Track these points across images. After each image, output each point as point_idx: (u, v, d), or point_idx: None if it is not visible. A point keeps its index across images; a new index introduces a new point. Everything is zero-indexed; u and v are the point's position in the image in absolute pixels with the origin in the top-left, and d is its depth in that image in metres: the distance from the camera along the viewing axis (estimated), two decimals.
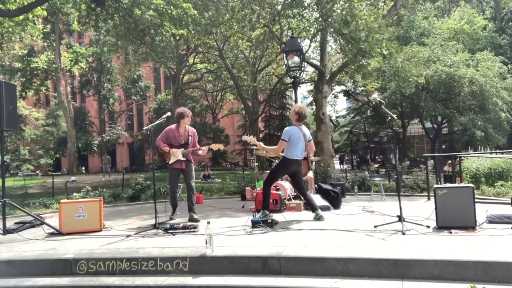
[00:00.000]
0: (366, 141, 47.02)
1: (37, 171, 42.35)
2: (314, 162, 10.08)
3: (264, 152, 9.44)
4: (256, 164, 9.97)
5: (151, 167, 36.84)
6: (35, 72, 34.28)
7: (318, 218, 6.23)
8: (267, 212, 6.24)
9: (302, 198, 7.87)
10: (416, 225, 5.22)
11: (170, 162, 6.58)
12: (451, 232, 4.83)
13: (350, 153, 47.12)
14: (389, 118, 5.82)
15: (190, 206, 6.71)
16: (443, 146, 34.40)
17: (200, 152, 6.80)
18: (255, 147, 9.21)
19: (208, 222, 4.40)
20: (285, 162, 6.39)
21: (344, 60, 16.90)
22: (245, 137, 6.93)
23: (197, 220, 6.40)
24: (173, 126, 6.69)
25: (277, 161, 9.27)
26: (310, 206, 6.54)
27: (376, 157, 44.21)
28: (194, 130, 6.99)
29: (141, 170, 37.39)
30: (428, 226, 5.14)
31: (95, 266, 4.41)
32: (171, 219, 6.80)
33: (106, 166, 27.65)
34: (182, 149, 6.64)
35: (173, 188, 6.86)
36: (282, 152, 6.49)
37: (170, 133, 6.62)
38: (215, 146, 6.95)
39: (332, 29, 14.21)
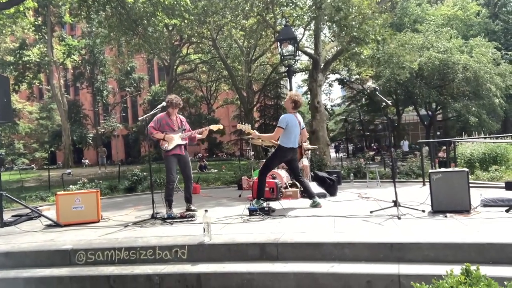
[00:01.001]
0: (361, 129, 47.21)
1: (32, 165, 42.25)
2: (310, 151, 10.12)
3: (260, 140, 9.48)
4: (252, 153, 9.97)
5: (147, 159, 36.86)
6: (27, 65, 33.97)
7: (315, 205, 6.27)
8: (262, 202, 6.27)
9: (299, 186, 7.93)
10: (412, 209, 5.28)
11: (170, 147, 6.30)
12: (446, 216, 4.88)
13: (345, 142, 47.26)
14: (384, 104, 5.84)
15: (188, 197, 6.63)
16: (438, 133, 34.60)
17: (199, 135, 6.67)
18: (250, 136, 9.24)
19: (206, 211, 4.43)
20: (281, 150, 6.39)
21: (338, 48, 16.87)
22: (239, 126, 6.91)
23: (194, 211, 6.41)
24: (163, 114, 6.48)
25: (273, 150, 9.32)
26: (307, 193, 6.59)
27: (372, 145, 44.39)
28: (183, 118, 6.85)
29: (137, 162, 37.39)
30: (423, 211, 5.20)
31: (94, 256, 4.44)
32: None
33: (102, 158, 27.61)
34: (180, 133, 6.45)
35: (173, 178, 6.47)
36: (277, 140, 6.50)
37: (163, 121, 6.38)
38: (214, 127, 6.85)
39: (325, 17, 14.14)
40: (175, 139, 6.39)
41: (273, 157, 6.64)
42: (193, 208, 6.56)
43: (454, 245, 3.72)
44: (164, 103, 6.48)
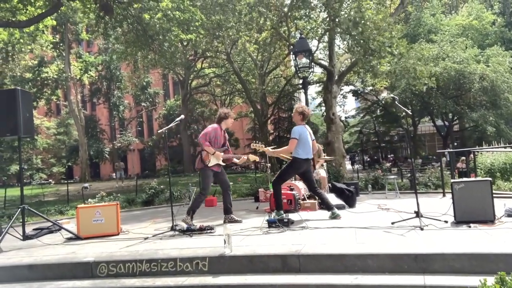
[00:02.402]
0: (377, 141, 46.80)
1: (50, 180, 42.79)
2: (326, 162, 10.07)
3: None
4: (268, 165, 9.96)
5: (162, 172, 37.10)
6: (45, 82, 34.72)
7: (334, 216, 6.21)
8: (282, 212, 6.26)
9: (317, 198, 7.88)
10: (434, 220, 5.19)
11: (210, 164, 6.26)
12: (469, 226, 4.79)
13: (361, 153, 46.89)
14: (404, 114, 5.79)
15: (230, 208, 6.58)
16: (455, 144, 34.11)
17: (237, 160, 6.71)
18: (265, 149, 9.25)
19: (225, 222, 4.41)
20: (297, 162, 6.38)
21: (352, 60, 16.87)
22: (253, 145, 6.86)
23: (240, 221, 6.41)
24: (217, 125, 6.42)
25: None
26: (325, 205, 6.54)
27: (388, 156, 43.96)
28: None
29: (153, 175, 37.60)
30: (446, 221, 5.11)
31: (115, 269, 4.45)
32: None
33: (120, 173, 27.84)
34: (223, 153, 6.41)
35: (207, 191, 6.49)
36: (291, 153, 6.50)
37: (215, 134, 6.32)
38: (252, 157, 6.83)
39: (340, 29, 14.18)
40: (220, 158, 6.35)
41: (288, 168, 6.61)
42: (236, 218, 6.52)
43: (480, 256, 3.64)
44: (182, 116, 6.55)
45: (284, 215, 5.99)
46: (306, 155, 6.33)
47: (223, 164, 6.53)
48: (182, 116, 6.58)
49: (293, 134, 6.35)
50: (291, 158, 8.56)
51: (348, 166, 37.33)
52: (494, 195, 5.09)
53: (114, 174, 27.45)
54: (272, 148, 7.07)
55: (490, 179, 5.17)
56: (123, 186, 23.30)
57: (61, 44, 33.67)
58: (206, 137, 6.24)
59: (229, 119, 6.51)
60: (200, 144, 6.31)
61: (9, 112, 5.96)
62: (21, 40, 24.67)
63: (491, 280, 2.48)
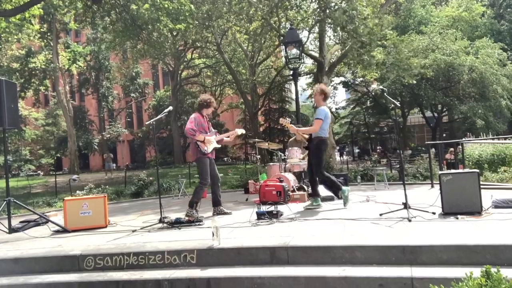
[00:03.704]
0: (367, 132, 47.03)
1: (39, 171, 42.41)
2: None
3: (266, 144, 9.45)
4: (259, 157, 9.95)
5: (152, 164, 36.98)
6: (33, 72, 34.22)
7: (316, 205, 6.31)
8: (318, 199, 6.39)
9: (306, 189, 7.90)
10: (422, 212, 5.21)
11: (209, 150, 6.22)
12: (457, 218, 4.82)
13: (351, 144, 47.11)
14: (392, 106, 5.79)
15: (219, 200, 6.59)
16: (444, 135, 34.41)
17: (226, 138, 6.73)
18: (257, 140, 9.23)
19: (214, 215, 4.39)
20: (323, 142, 6.41)
21: (343, 51, 16.84)
22: (282, 120, 6.92)
23: (229, 213, 6.43)
24: (198, 114, 6.36)
25: (279, 153, 9.30)
26: (313, 191, 6.57)
27: (377, 148, 44.24)
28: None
29: (142, 167, 37.44)
30: (434, 213, 5.13)
31: (103, 262, 4.40)
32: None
33: (109, 164, 27.64)
34: (214, 136, 6.41)
35: (208, 180, 6.35)
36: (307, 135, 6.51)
37: (199, 121, 6.27)
38: (239, 131, 6.91)
39: (331, 20, 14.11)
40: (213, 142, 6.33)
41: (318, 151, 6.45)
42: (226, 210, 6.52)
43: (468, 247, 3.66)
44: (170, 108, 6.50)
45: (273, 207, 5.96)
46: (327, 135, 6.44)
47: (218, 146, 6.50)
48: (171, 108, 6.51)
49: (319, 115, 6.31)
50: (279, 148, 8.51)
51: (337, 157, 37.49)
52: (481, 187, 5.13)
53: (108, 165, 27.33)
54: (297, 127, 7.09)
55: (477, 170, 5.20)
56: (112, 178, 23.17)
57: (48, 34, 33.13)
58: (192, 128, 6.17)
59: (210, 108, 6.47)
60: (189, 137, 6.24)
61: None
62: (8, 30, 24.20)
63: (477, 271, 2.49)
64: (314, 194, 6.57)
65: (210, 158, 6.36)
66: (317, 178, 6.61)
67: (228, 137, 6.75)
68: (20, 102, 37.90)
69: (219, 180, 6.68)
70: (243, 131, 7.04)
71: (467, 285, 2.12)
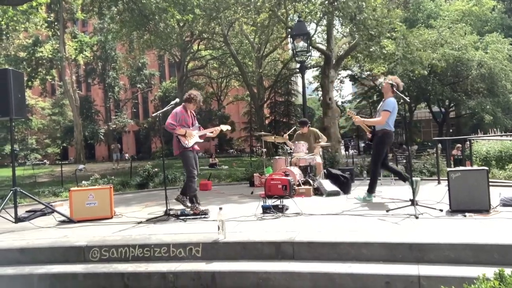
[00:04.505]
0: (373, 126, 46.77)
1: (45, 160, 42.65)
2: (322, 148, 10.03)
3: (273, 137, 9.39)
4: (264, 150, 9.91)
5: (158, 155, 37.01)
6: (40, 61, 34.25)
7: (369, 200, 6.21)
8: (372, 195, 6.27)
9: (312, 183, 7.86)
10: (429, 208, 5.17)
11: (190, 144, 6.19)
12: (465, 216, 4.77)
13: (356, 139, 46.90)
14: (402, 101, 5.73)
15: (196, 195, 6.52)
16: (450, 130, 34.20)
17: (210, 133, 6.68)
18: (265, 133, 9.19)
19: (220, 208, 4.37)
20: (388, 135, 6.16)
21: (351, 44, 16.70)
22: (349, 112, 6.76)
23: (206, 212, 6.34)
24: (181, 108, 6.31)
25: (286, 147, 9.25)
26: (399, 177, 6.41)
27: None
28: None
29: (148, 158, 37.54)
30: (441, 210, 5.08)
31: (108, 253, 4.41)
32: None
33: (116, 154, 27.68)
34: (197, 130, 6.41)
35: (195, 172, 6.26)
36: (370, 127, 6.34)
37: (181, 116, 6.22)
38: (224, 127, 6.88)
39: (339, 13, 13.97)
40: (195, 136, 6.31)
41: (381, 143, 6.24)
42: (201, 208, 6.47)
43: (475, 246, 3.62)
44: (177, 99, 6.44)
45: (279, 201, 5.93)
46: (393, 128, 6.22)
47: (201, 141, 6.47)
48: (177, 100, 6.46)
49: (387, 106, 6.04)
50: (284, 142, 8.45)
51: (342, 151, 37.35)
52: (489, 184, 5.07)
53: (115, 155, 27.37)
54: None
55: (486, 168, 5.14)
56: (119, 168, 23.22)
57: (55, 23, 33.10)
58: (172, 123, 6.10)
59: (192, 104, 6.35)
60: (169, 130, 6.15)
61: (0, 93, 5.84)
62: (15, 18, 24.20)
63: (485, 271, 2.45)
64: (402, 179, 6.42)
65: (193, 151, 6.34)
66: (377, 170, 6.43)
67: (212, 132, 6.70)
68: (27, 91, 38.04)
69: (197, 174, 6.58)
70: (228, 127, 7.06)
71: (479, 287, 2.08)
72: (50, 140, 47.07)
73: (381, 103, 6.29)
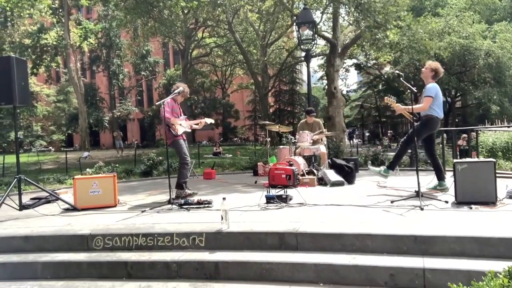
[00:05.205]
0: (377, 115, 46.56)
1: (50, 147, 42.85)
2: (326, 138, 9.97)
3: (277, 126, 9.33)
4: (268, 139, 9.86)
5: (162, 143, 37.06)
6: (45, 48, 34.20)
7: (443, 188, 5.95)
8: (389, 171, 6.20)
9: (316, 173, 7.82)
10: (434, 200, 5.13)
11: (180, 133, 6.43)
12: (471, 208, 4.73)
13: (361, 128, 46.72)
14: (408, 91, 5.65)
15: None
16: (456, 120, 33.96)
17: (195, 125, 6.94)
18: (266, 122, 9.13)
19: (224, 198, 4.35)
20: (432, 121, 5.96)
21: (357, 32, 16.51)
22: (387, 99, 6.45)
23: (195, 193, 6.63)
24: (171, 100, 6.51)
25: (290, 136, 9.20)
26: (438, 173, 6.15)
27: (388, 132, 43.84)
28: None
29: (152, 145, 37.61)
30: (446, 202, 5.05)
31: (111, 242, 4.41)
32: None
33: (119, 142, 27.77)
34: (184, 121, 6.63)
35: (188, 159, 6.55)
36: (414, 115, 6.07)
37: (172, 107, 6.49)
38: (209, 120, 7.13)
39: (345, 0, 13.79)
40: (184, 125, 6.55)
41: (423, 128, 6.06)
42: (190, 192, 6.67)
43: (481, 239, 3.57)
44: (181, 88, 6.47)
45: (282, 191, 5.90)
46: (441, 114, 5.98)
47: (189, 130, 6.75)
48: (181, 89, 6.45)
49: (428, 92, 5.89)
50: (288, 131, 8.33)
51: (346, 141, 37.24)
52: (496, 176, 5.01)
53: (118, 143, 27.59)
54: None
55: (494, 160, 5.08)
56: (123, 156, 23.28)
57: (60, 10, 32.96)
58: (169, 115, 6.34)
59: (179, 96, 6.59)
60: (166, 122, 6.30)
61: (4, 81, 5.81)
62: (19, 4, 24.13)
63: (493, 264, 2.41)
64: (439, 176, 6.13)
65: (183, 139, 6.60)
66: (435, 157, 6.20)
67: (197, 124, 6.96)
68: (32, 78, 38.12)
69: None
70: (212, 121, 7.31)
71: (488, 284, 2.03)
72: (55, 127, 47.24)
73: (423, 89, 6.14)
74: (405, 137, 6.34)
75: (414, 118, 6.08)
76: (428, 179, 6.34)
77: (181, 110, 6.78)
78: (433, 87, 5.90)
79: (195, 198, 6.03)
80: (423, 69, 6.18)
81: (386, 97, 6.42)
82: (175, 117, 6.46)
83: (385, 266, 3.51)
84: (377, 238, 3.83)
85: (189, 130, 6.81)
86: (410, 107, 5.90)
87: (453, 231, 3.74)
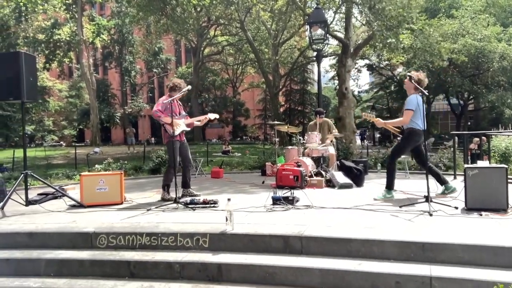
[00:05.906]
0: (389, 117, 46.12)
1: (61, 142, 43.24)
2: (335, 139, 9.88)
3: (286, 127, 9.26)
4: (277, 139, 9.78)
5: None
6: (58, 44, 34.50)
7: (451, 191, 5.88)
8: (392, 191, 5.99)
9: (324, 175, 7.75)
10: (444, 205, 5.03)
11: (176, 133, 6.23)
12: (481, 215, 4.62)
13: (371, 129, 46.34)
14: (420, 94, 5.56)
15: (188, 182, 6.73)
16: (469, 123, 33.56)
17: (197, 122, 6.76)
18: (276, 123, 9.06)
19: (229, 199, 4.30)
20: (414, 133, 5.87)
21: (369, 33, 16.34)
22: (364, 115, 6.47)
23: (198, 195, 6.50)
24: (167, 97, 6.30)
25: (299, 137, 9.13)
26: (439, 181, 6.02)
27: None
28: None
29: (162, 143, 37.70)
30: (456, 207, 4.94)
31: (115, 240, 4.39)
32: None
33: (131, 139, 27.90)
34: (183, 119, 6.46)
35: (176, 163, 6.32)
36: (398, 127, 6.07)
37: (168, 104, 6.16)
38: (212, 116, 6.83)
39: (359, 0, 13.64)
40: (181, 125, 6.38)
41: (405, 142, 6.03)
42: (195, 192, 6.65)
43: (491, 248, 3.47)
44: (189, 86, 6.42)
45: (289, 192, 5.83)
46: (422, 126, 5.86)
47: (188, 129, 6.57)
48: (189, 87, 6.40)
49: (409, 105, 5.81)
50: (299, 131, 8.26)
51: (358, 141, 36.98)
52: (508, 182, 4.89)
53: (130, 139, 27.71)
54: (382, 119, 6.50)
55: (506, 166, 4.96)
56: (134, 152, 23.38)
57: (73, 6, 33.22)
58: (159, 110, 6.16)
59: (176, 92, 6.30)
60: (155, 118, 6.20)
61: (13, 76, 5.82)
62: (33, 0, 24.36)
63: (503, 275, 2.32)
64: (440, 182, 6.01)
65: (180, 141, 6.46)
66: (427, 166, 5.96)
67: (199, 121, 6.76)
68: (44, 73, 38.48)
69: (190, 163, 6.79)
70: (216, 116, 7.00)
71: None
72: (66, 122, 47.66)
73: (405, 101, 6.04)
74: (390, 153, 6.24)
75: (398, 130, 6.03)
76: (437, 184, 6.21)
77: (181, 107, 6.64)
78: (413, 99, 5.81)
79: (201, 198, 6.00)
80: (405, 80, 6.06)
81: (363, 113, 6.37)
82: (169, 116, 6.12)
83: (391, 273, 3.43)
84: (384, 244, 3.74)
85: (188, 129, 6.60)
86: (390, 121, 5.85)
87: (462, 239, 3.65)
